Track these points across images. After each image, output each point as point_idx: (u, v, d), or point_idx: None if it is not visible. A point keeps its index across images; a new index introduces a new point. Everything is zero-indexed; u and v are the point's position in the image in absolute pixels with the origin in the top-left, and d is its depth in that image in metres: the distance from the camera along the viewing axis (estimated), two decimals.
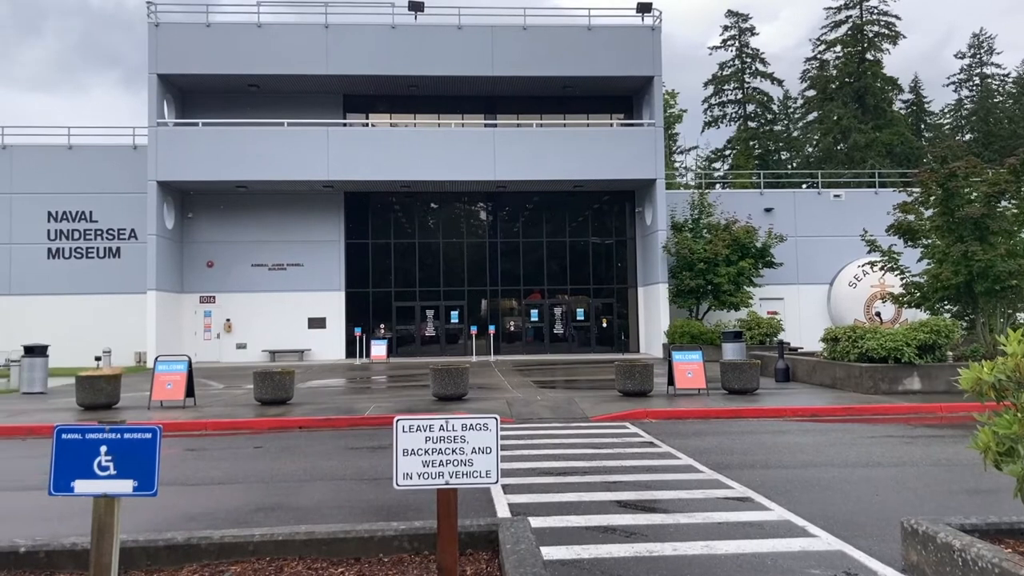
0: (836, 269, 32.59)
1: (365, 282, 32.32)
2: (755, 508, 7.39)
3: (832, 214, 32.88)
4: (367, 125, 32.09)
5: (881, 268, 20.72)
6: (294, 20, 32.73)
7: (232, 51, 29.13)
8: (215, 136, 28.97)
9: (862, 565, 5.71)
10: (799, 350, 24.63)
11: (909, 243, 20.15)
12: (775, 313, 31.29)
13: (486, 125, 31.45)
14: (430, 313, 32.64)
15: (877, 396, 15.73)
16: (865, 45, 59.28)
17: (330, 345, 31.42)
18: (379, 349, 30.66)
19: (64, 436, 3.98)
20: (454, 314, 32.66)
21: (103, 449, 3.95)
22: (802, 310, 32.38)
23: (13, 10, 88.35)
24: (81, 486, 3.94)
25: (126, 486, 3.93)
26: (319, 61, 29.40)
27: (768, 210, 32.37)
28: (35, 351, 19.28)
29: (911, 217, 20.02)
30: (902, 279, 20.42)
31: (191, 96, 31.32)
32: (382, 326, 32.23)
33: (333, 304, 31.65)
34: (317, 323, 31.47)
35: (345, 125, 31.21)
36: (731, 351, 21.66)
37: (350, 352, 31.30)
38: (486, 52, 29.83)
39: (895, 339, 16.38)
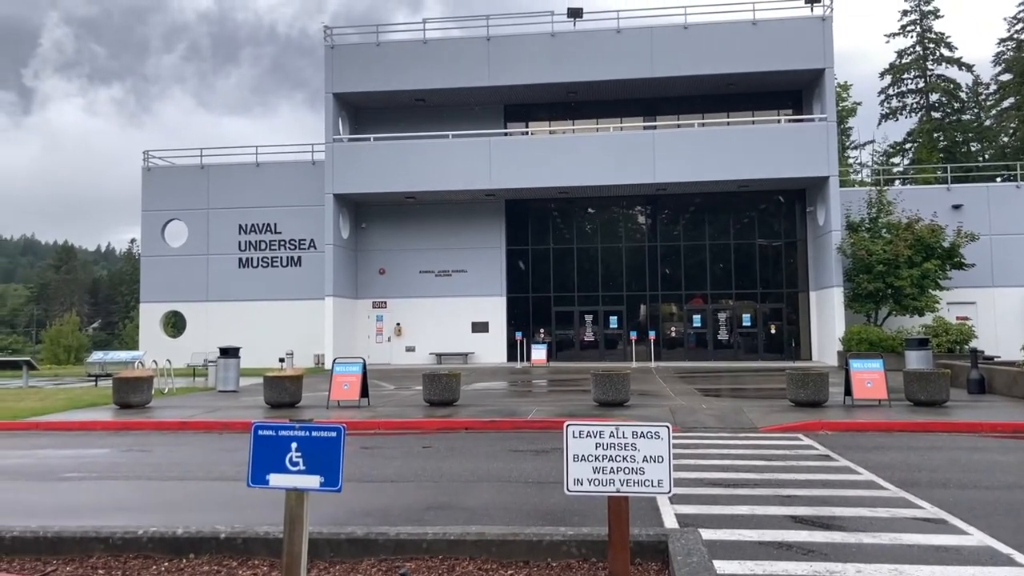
0: None
1: (525, 287, 32.86)
2: (950, 531, 6.78)
3: None
4: (526, 134, 32.60)
5: None
6: (458, 34, 33.86)
7: (400, 68, 30.59)
8: (385, 150, 30.53)
9: None
10: (995, 359, 22.41)
11: None
12: (965, 318, 28.64)
13: (645, 127, 31.01)
14: (589, 318, 32.64)
15: None
16: None
17: (492, 349, 32.19)
18: (539, 353, 31.03)
19: (260, 433, 4.30)
20: (613, 319, 32.46)
21: (294, 446, 4.22)
22: (998, 315, 29.47)
23: (213, 42, 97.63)
24: (275, 479, 4.24)
25: (314, 481, 4.19)
26: (481, 73, 30.24)
27: (956, 207, 29.74)
28: (229, 353, 21.02)
29: None
30: None
31: (363, 112, 33.18)
32: (542, 331, 32.60)
33: (495, 309, 32.40)
34: (480, 327, 32.32)
35: (506, 135, 31.88)
36: (915, 359, 20.04)
37: (511, 356, 31.88)
38: (645, 54, 29.48)
39: None
